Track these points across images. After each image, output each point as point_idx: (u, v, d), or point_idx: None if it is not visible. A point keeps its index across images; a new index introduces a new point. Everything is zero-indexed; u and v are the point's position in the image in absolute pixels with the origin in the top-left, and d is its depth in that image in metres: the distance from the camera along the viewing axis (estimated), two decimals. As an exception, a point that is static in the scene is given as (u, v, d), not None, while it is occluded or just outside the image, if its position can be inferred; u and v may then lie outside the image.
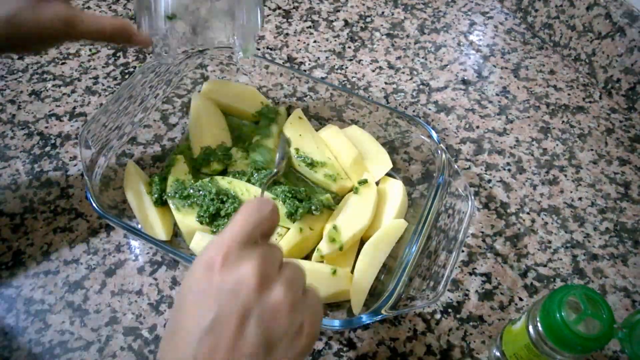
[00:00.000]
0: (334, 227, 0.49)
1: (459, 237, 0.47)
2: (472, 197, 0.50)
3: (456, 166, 0.52)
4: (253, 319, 0.28)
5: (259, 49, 0.71)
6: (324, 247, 0.49)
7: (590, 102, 0.69)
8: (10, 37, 0.42)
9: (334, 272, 0.48)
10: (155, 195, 0.51)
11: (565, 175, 0.62)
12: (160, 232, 0.50)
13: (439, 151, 0.52)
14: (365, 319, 0.42)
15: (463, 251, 0.54)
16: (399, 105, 0.67)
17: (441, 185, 0.50)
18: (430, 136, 0.53)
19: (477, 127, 0.66)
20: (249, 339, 0.28)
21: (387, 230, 0.51)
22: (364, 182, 0.54)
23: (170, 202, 0.51)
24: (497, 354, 0.46)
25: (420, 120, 0.54)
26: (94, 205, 0.47)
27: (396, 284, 0.43)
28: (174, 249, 0.46)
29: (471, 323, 0.50)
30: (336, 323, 0.42)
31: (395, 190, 0.54)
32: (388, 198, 0.54)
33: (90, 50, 0.69)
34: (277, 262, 0.31)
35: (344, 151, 0.56)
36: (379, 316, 0.42)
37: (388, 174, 0.57)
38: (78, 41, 0.48)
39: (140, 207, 0.51)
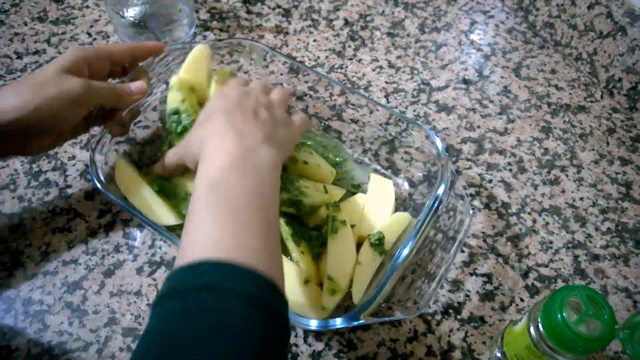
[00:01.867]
0: (330, 278, 0.46)
1: (451, 251, 0.46)
2: (471, 212, 0.49)
3: (455, 169, 0.51)
4: (263, 105, 0.46)
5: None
6: (328, 302, 0.46)
7: (591, 101, 0.69)
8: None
9: (306, 282, 0.46)
10: (156, 188, 0.51)
11: (567, 175, 0.61)
12: (168, 216, 0.50)
13: (442, 164, 0.50)
14: (340, 322, 0.41)
15: (463, 251, 0.54)
16: (400, 104, 0.66)
17: (439, 200, 0.48)
18: (433, 143, 0.52)
19: (478, 126, 0.65)
20: (263, 111, 0.45)
21: (391, 224, 0.51)
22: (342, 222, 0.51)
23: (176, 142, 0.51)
24: (498, 354, 0.46)
25: (429, 131, 0.53)
26: (99, 186, 0.48)
27: (378, 292, 0.42)
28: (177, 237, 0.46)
29: (472, 324, 0.50)
30: (311, 323, 0.41)
31: (386, 189, 0.55)
32: (379, 197, 0.54)
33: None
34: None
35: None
36: (357, 322, 0.41)
37: (382, 173, 0.57)
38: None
39: (140, 198, 0.51)
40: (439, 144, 0.52)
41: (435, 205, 0.47)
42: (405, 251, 0.45)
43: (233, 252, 0.33)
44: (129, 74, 0.53)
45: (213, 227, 0.35)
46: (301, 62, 0.68)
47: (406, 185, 0.57)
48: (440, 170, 0.51)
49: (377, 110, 0.56)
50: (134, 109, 0.54)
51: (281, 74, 0.63)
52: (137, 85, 0.51)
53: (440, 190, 0.48)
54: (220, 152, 0.40)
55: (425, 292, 0.45)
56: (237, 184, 0.37)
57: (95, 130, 0.54)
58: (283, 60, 0.61)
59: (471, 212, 0.49)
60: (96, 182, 0.48)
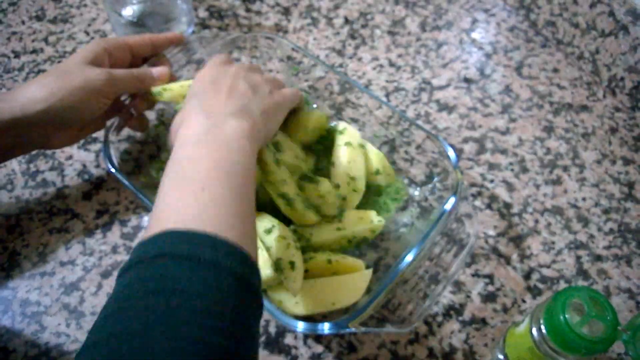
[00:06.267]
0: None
1: (450, 269, 0.45)
2: (472, 242, 0.47)
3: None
4: (241, 78, 0.45)
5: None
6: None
7: (594, 100, 0.69)
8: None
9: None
10: None
11: (569, 175, 0.61)
12: None
13: (453, 174, 0.49)
14: (328, 328, 0.40)
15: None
16: (400, 103, 0.66)
17: (447, 214, 0.46)
18: (447, 155, 0.50)
19: (480, 126, 0.65)
20: (240, 85, 0.44)
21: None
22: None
23: None
24: (500, 356, 0.45)
25: (443, 141, 0.51)
26: (112, 170, 0.48)
27: (370, 302, 0.41)
28: None
29: (474, 325, 0.49)
30: (298, 325, 0.40)
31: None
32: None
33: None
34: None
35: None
36: (345, 330, 0.40)
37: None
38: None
39: None
40: (452, 155, 0.50)
41: (443, 217, 0.46)
42: (409, 257, 0.43)
43: (192, 222, 0.33)
44: (148, 61, 0.54)
45: (175, 200, 0.35)
46: (332, 65, 0.68)
47: (408, 187, 0.56)
48: (451, 183, 0.49)
49: (380, 109, 0.56)
50: (151, 100, 0.53)
51: (277, 72, 0.63)
52: (159, 70, 0.51)
53: (449, 204, 0.47)
54: (187, 131, 0.40)
55: (420, 307, 0.43)
56: (201, 157, 0.37)
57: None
58: (278, 59, 0.60)
59: (475, 235, 0.47)
60: (109, 164, 0.48)
